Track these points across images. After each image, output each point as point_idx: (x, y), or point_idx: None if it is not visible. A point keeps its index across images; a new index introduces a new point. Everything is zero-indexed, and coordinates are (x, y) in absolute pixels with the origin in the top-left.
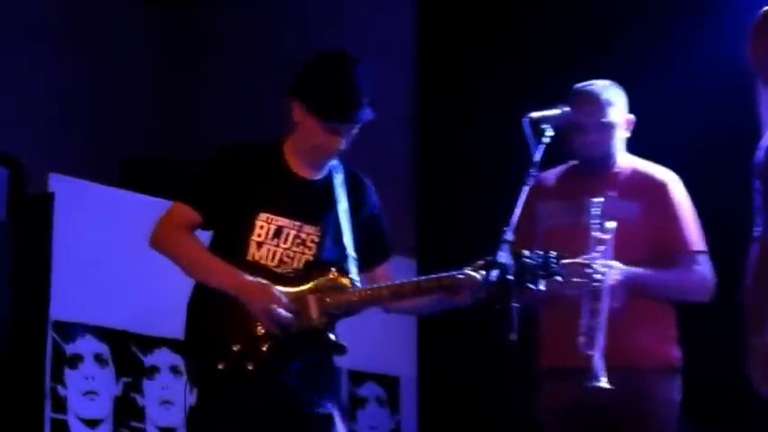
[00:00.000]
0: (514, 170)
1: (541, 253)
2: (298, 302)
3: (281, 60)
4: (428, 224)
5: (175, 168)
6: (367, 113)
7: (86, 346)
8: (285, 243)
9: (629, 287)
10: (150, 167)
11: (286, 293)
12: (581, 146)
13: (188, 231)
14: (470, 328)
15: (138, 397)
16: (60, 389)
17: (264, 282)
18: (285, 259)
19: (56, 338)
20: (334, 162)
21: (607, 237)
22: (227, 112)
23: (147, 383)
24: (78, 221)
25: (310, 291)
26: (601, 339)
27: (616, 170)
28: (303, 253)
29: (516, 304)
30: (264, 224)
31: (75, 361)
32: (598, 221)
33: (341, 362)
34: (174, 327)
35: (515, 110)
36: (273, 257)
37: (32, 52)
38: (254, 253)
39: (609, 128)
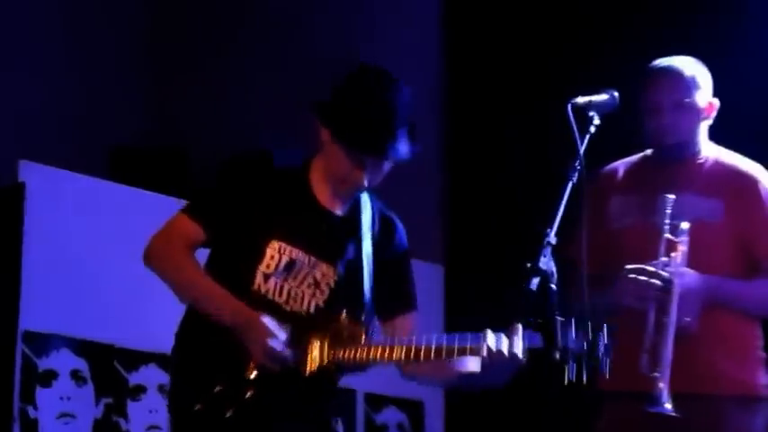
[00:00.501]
0: (555, 166)
1: (589, 334)
2: (300, 345)
3: (296, 43)
4: (458, 226)
5: (174, 158)
6: (402, 150)
7: (62, 361)
8: (295, 280)
9: (704, 298)
10: (145, 157)
11: (290, 333)
12: (655, 130)
13: (190, 253)
14: None
15: (121, 421)
16: (31, 410)
17: (266, 316)
18: (294, 296)
19: (26, 352)
20: (364, 197)
21: (680, 240)
22: (234, 96)
23: (132, 405)
24: (54, 216)
25: (316, 335)
26: (667, 358)
27: (697, 162)
28: (314, 296)
29: (561, 318)
30: (276, 254)
31: (48, 378)
32: (670, 222)
33: (357, 384)
34: (165, 340)
35: (554, 101)
36: (281, 292)
37: (7, 27)
38: (260, 284)
39: (690, 110)
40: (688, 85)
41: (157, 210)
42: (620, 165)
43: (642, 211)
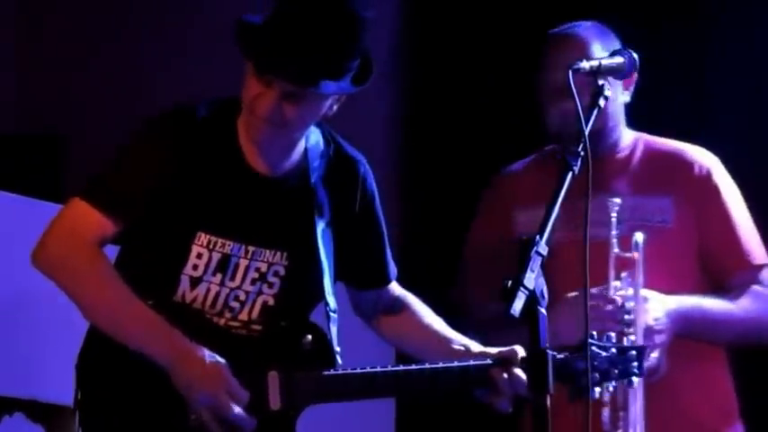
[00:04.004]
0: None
1: (614, 339)
2: (251, 383)
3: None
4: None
5: (47, 152)
6: (335, 85)
7: None
8: (233, 280)
9: (675, 329)
10: (9, 150)
11: (232, 368)
12: (558, 118)
13: (102, 256)
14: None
15: None
16: None
17: (217, 360)
18: (232, 303)
19: None
20: (313, 143)
21: (635, 256)
22: (134, 66)
23: None
24: None
25: (271, 361)
26: (635, 410)
27: (620, 150)
28: (260, 293)
29: (554, 353)
30: (204, 251)
31: None
32: (618, 233)
33: None
34: (36, 383)
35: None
36: (215, 301)
37: None
38: (185, 292)
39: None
40: (590, 53)
41: (26, 219)
42: (519, 167)
43: (567, 223)
